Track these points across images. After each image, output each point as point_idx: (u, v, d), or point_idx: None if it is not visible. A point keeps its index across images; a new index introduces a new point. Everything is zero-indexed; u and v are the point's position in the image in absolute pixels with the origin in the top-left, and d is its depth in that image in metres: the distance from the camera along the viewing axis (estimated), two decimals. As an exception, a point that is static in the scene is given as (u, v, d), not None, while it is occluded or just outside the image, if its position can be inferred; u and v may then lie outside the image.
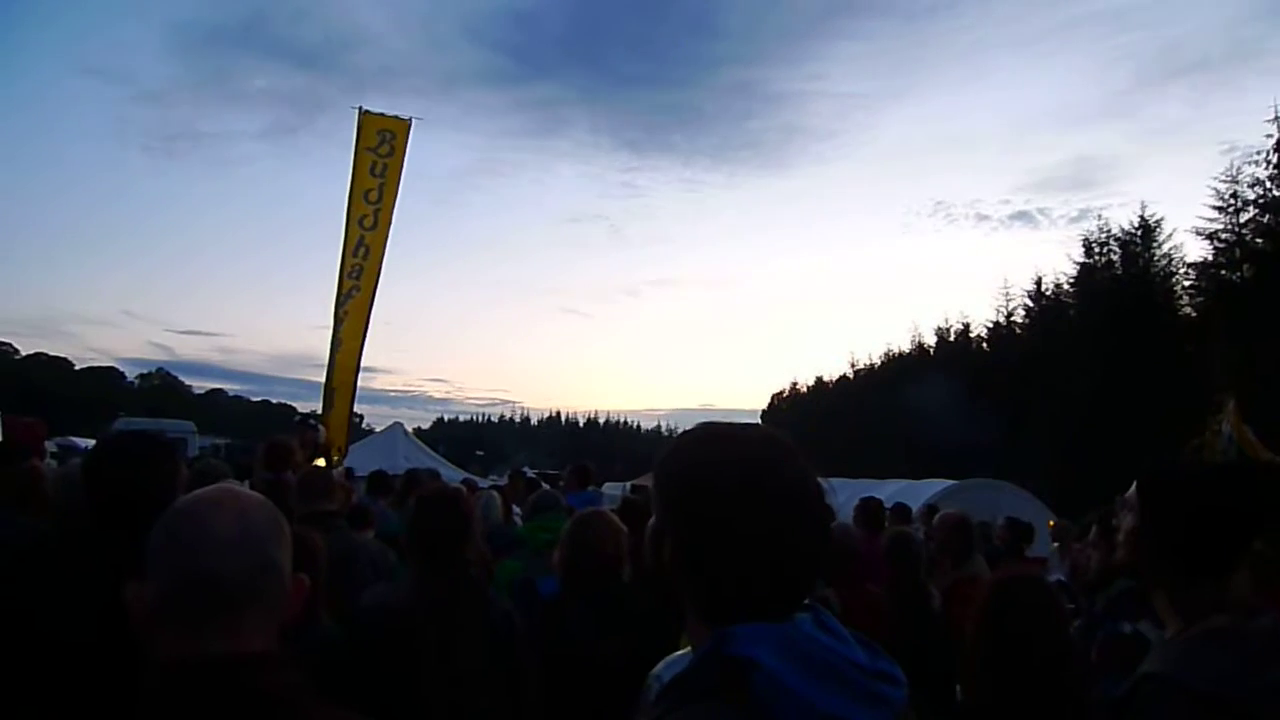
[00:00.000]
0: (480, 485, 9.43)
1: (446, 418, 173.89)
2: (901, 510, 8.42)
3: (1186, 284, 30.48)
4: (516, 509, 7.02)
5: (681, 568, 1.04)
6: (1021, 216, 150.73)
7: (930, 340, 50.59)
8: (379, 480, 7.77)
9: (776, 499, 1.02)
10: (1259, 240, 25.96)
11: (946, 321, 49.57)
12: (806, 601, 1.04)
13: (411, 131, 9.66)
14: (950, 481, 17.08)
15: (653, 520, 1.13)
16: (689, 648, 1.74)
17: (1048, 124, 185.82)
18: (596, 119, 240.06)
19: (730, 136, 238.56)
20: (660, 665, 1.74)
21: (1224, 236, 27.27)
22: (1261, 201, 26.21)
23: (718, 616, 0.99)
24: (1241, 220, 26.84)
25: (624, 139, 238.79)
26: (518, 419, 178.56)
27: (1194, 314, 29.24)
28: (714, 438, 1.11)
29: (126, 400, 74.81)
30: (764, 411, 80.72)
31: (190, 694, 1.12)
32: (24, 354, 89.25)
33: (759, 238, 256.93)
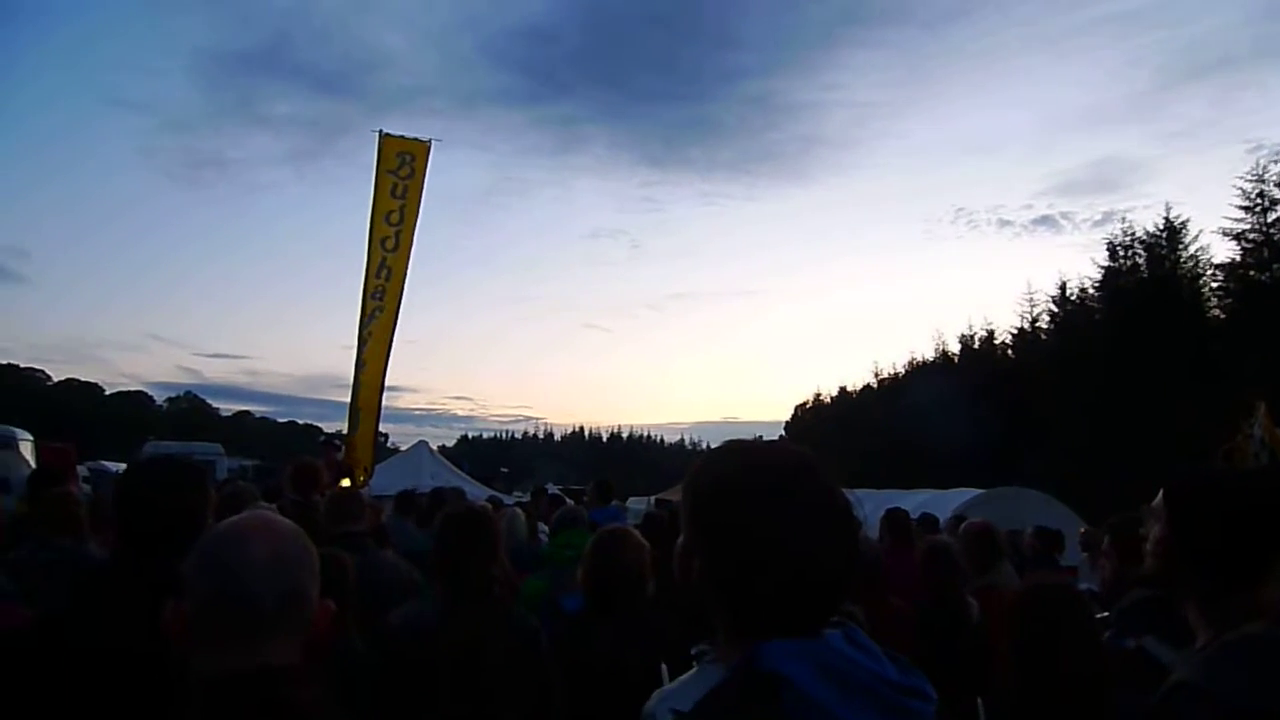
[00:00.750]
0: (505, 503, 9.46)
1: (471, 435, 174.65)
2: (929, 520, 8.33)
3: (1214, 285, 30.10)
4: (543, 526, 7.05)
5: (712, 584, 1.05)
6: (1045, 221, 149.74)
7: (954, 347, 50.23)
8: (406, 499, 7.84)
9: (806, 513, 1.03)
10: (1288, 240, 25.62)
11: (970, 328, 49.20)
12: (835, 618, 1.04)
13: (431, 153, 9.78)
14: (978, 490, 16.87)
15: (681, 538, 1.14)
16: (692, 672, 1.75)
17: (1069, 127, 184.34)
18: (615, 135, 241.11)
19: (749, 149, 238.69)
20: (653, 700, 1.73)
21: (1251, 236, 26.95)
22: (1290, 200, 25.88)
23: (748, 632, 1.00)
24: (1269, 220, 26.52)
25: (643, 154, 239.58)
26: (541, 435, 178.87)
27: (1222, 316, 28.85)
28: (741, 453, 1.12)
29: (156, 423, 75.77)
30: (788, 423, 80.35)
31: (222, 705, 1.21)
32: (55, 380, 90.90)
33: (779, 249, 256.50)
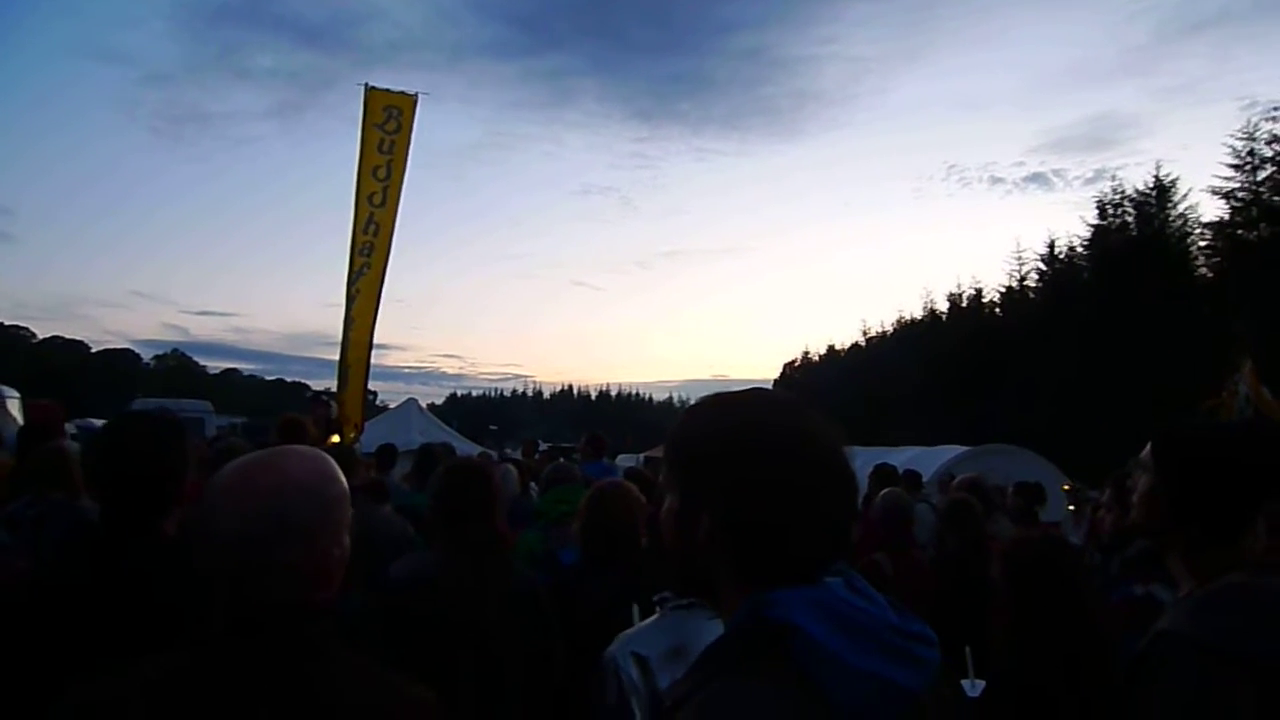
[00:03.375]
0: (495, 459, 9.49)
1: (460, 393, 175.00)
2: (912, 477, 8.44)
3: (1202, 244, 30.16)
4: (532, 484, 7.07)
5: (719, 539, 1.03)
6: (1036, 179, 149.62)
7: (943, 306, 50.36)
8: (386, 454, 7.77)
9: (813, 459, 1.03)
10: (1276, 198, 25.61)
11: (959, 286, 49.32)
12: (839, 566, 1.05)
13: (419, 106, 9.63)
14: (964, 448, 17.05)
15: (672, 500, 1.10)
16: (654, 618, 1.76)
17: (1063, 83, 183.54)
18: (606, 89, 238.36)
19: (741, 104, 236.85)
20: (615, 643, 1.74)
21: (1240, 195, 26.99)
22: (1278, 159, 25.81)
23: (755, 582, 1.00)
24: (1259, 178, 26.50)
25: (634, 108, 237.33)
26: (530, 393, 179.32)
27: (1210, 274, 28.94)
28: (737, 405, 1.11)
29: (142, 381, 75.44)
30: (776, 380, 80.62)
31: (236, 640, 1.24)
32: (40, 338, 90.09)
33: (770, 206, 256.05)
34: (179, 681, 1.22)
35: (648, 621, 1.70)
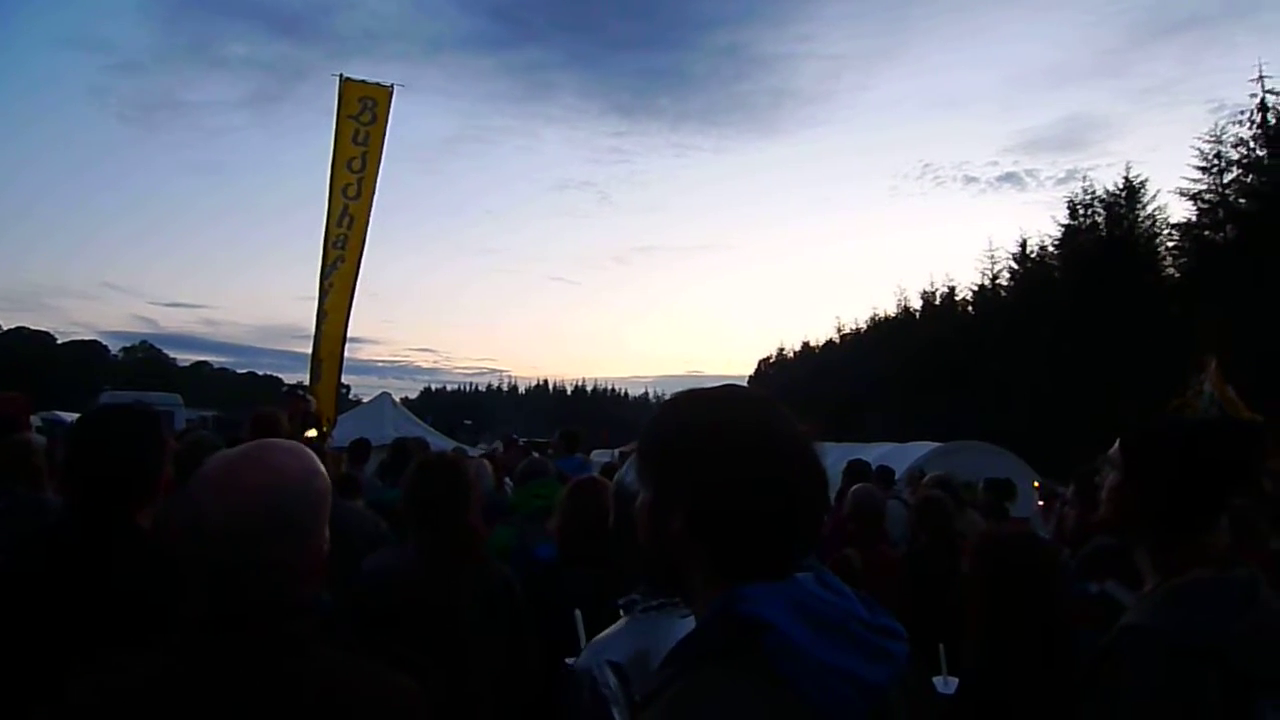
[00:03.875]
0: (470, 454, 9.45)
1: (434, 387, 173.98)
2: (885, 473, 8.51)
3: (1170, 245, 30.62)
4: (507, 479, 7.05)
5: (692, 534, 1.03)
6: (1009, 178, 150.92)
7: (916, 304, 50.77)
8: (359, 449, 7.70)
9: (784, 455, 1.04)
10: (1242, 201, 26.06)
11: (932, 284, 49.74)
12: (809, 561, 1.06)
13: (394, 98, 9.55)
14: (936, 444, 17.18)
15: (646, 495, 1.11)
16: (621, 623, 1.75)
17: (1038, 83, 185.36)
18: (584, 83, 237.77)
19: (719, 100, 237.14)
20: (585, 654, 1.73)
21: (1208, 197, 27.39)
22: (1245, 162, 26.29)
23: (727, 578, 1.00)
24: (1225, 181, 26.93)
25: (612, 103, 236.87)
26: (505, 388, 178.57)
27: (1177, 275, 29.39)
28: (709, 401, 1.11)
29: (110, 374, 74.24)
30: (751, 377, 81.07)
31: (219, 637, 1.22)
32: (5, 329, 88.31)
33: (747, 203, 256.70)
34: (166, 682, 1.20)
35: (617, 626, 1.69)
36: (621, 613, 1.77)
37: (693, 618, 1.09)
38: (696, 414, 1.10)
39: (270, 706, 1.21)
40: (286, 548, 1.26)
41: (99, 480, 2.04)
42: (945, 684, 2.59)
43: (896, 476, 9.29)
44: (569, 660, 1.86)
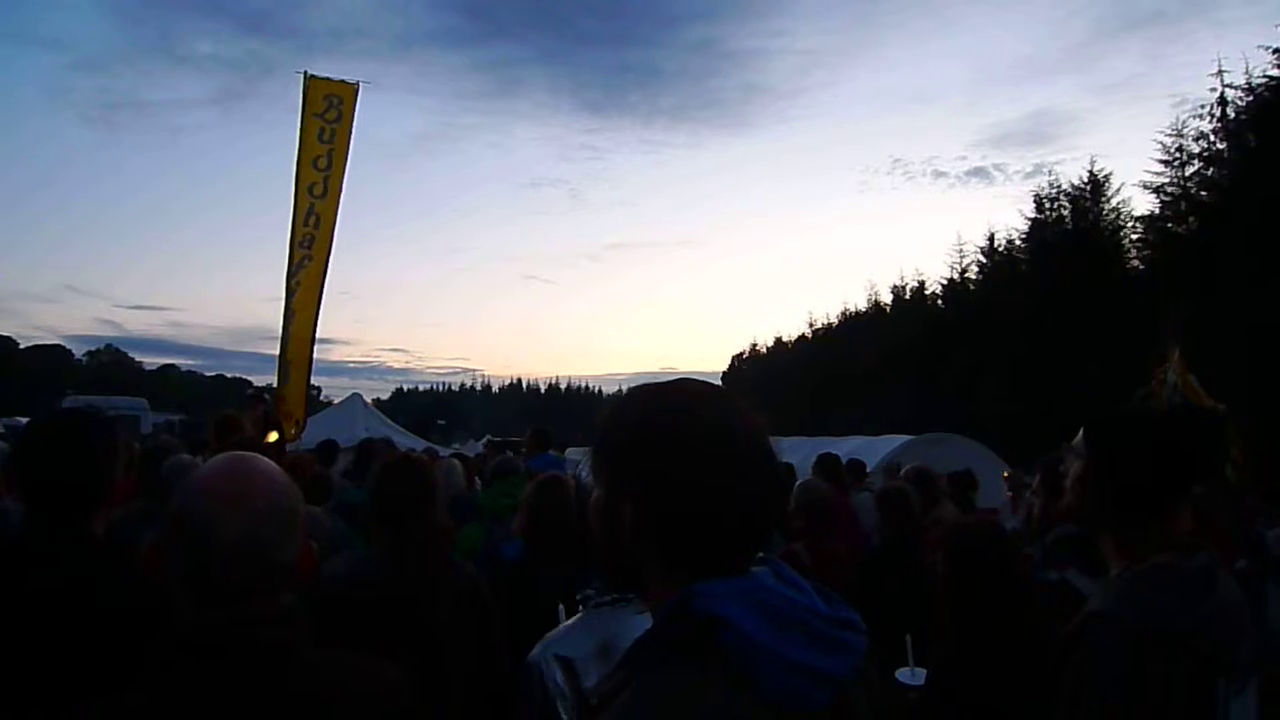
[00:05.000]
0: (442, 454, 9.38)
1: (406, 388, 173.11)
2: (856, 466, 8.55)
3: (1134, 237, 31.10)
4: (478, 479, 7.00)
5: (647, 530, 1.01)
6: (978, 173, 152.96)
7: (887, 298, 51.16)
8: (327, 450, 7.59)
9: (737, 448, 1.02)
10: (1203, 193, 26.47)
11: (902, 279, 50.15)
12: (762, 554, 1.04)
13: (361, 95, 9.47)
14: (907, 437, 17.34)
15: (599, 490, 1.08)
16: (576, 617, 1.74)
17: (1007, 78, 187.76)
18: (555, 79, 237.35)
19: (691, 96, 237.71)
20: (537, 648, 1.73)
21: (1170, 190, 27.78)
22: (1206, 155, 26.70)
23: (682, 573, 0.99)
24: (1186, 174, 27.35)
25: (583, 100, 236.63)
26: (479, 387, 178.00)
27: (1141, 266, 29.84)
28: (661, 395, 1.09)
29: (75, 378, 72.91)
30: (724, 373, 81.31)
31: (210, 648, 1.22)
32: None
33: (719, 199, 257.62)
34: (178, 702, 1.20)
35: (570, 621, 1.68)
36: (579, 608, 1.76)
37: (645, 615, 1.07)
38: (648, 408, 1.08)
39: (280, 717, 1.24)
40: (290, 550, 1.30)
41: (46, 486, 2.00)
42: (912, 675, 2.60)
43: (869, 470, 9.35)
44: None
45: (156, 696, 1.21)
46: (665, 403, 1.07)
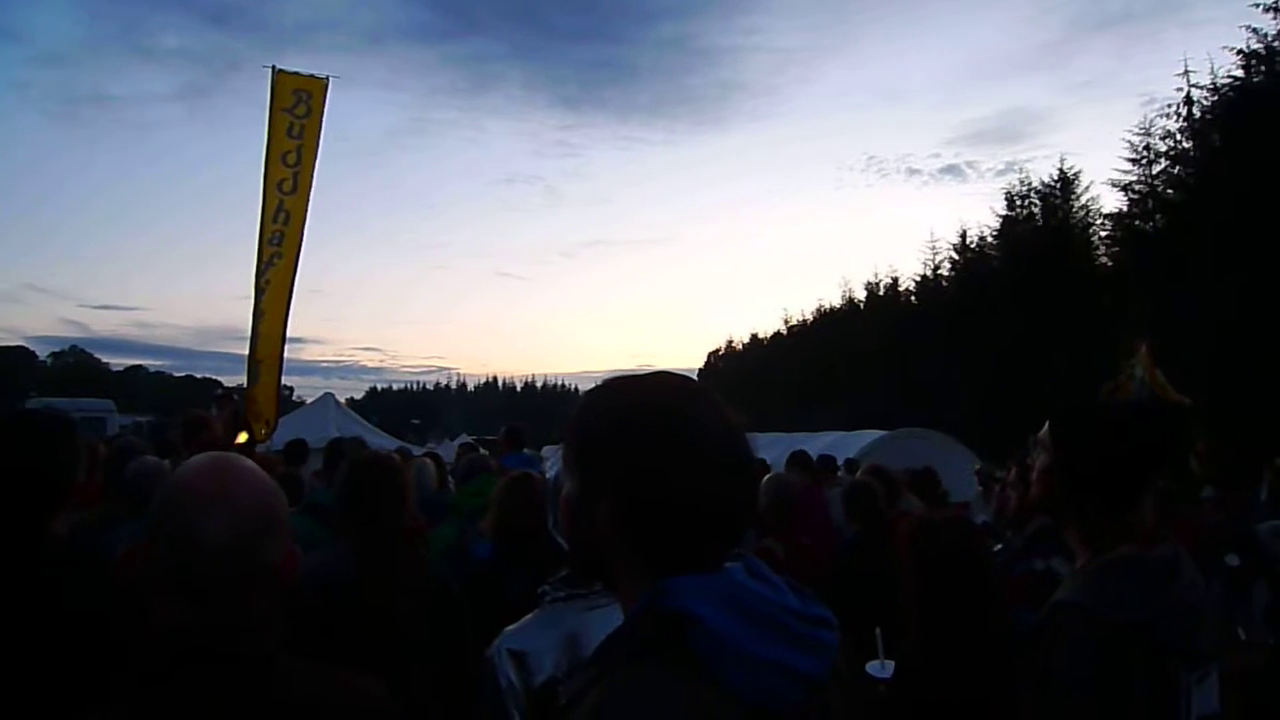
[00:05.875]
0: (415, 454, 9.30)
1: (380, 387, 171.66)
2: (825, 461, 8.61)
3: (1103, 234, 31.51)
4: (451, 480, 6.95)
5: (621, 526, 0.99)
6: (951, 170, 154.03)
7: (860, 295, 51.51)
8: (296, 450, 7.48)
9: (718, 445, 1.00)
10: (1170, 191, 26.84)
11: (876, 276, 50.50)
12: (737, 551, 1.03)
13: (330, 90, 9.37)
14: (881, 432, 17.48)
15: (572, 485, 1.06)
16: (533, 613, 1.74)
17: (980, 76, 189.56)
18: (530, 75, 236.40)
19: (666, 93, 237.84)
20: (498, 640, 1.73)
21: (1138, 188, 28.12)
22: (1172, 154, 27.07)
23: (655, 569, 0.97)
24: (1154, 172, 27.72)
25: (558, 96, 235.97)
26: (454, 386, 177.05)
27: (1110, 264, 30.25)
28: (639, 389, 1.08)
29: (39, 380, 71.72)
30: (700, 370, 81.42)
31: (187, 655, 1.20)
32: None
33: (695, 196, 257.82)
34: (171, 713, 1.18)
35: (527, 617, 1.67)
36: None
37: (602, 610, 1.06)
38: (621, 401, 1.06)
39: None
40: (274, 551, 1.27)
41: (4, 485, 1.97)
42: (882, 668, 2.61)
43: (839, 464, 9.42)
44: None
45: (141, 709, 1.19)
46: (641, 395, 1.06)
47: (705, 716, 0.88)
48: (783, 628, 0.95)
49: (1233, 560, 4.82)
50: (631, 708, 0.89)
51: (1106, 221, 30.91)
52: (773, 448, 10.04)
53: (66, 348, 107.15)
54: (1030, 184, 34.68)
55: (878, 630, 2.68)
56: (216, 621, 1.21)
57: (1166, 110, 26.96)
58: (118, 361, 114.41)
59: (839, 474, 8.37)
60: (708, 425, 1.02)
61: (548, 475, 1.83)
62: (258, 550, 1.24)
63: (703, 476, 0.98)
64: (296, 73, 9.34)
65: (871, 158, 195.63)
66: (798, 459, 6.57)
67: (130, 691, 1.23)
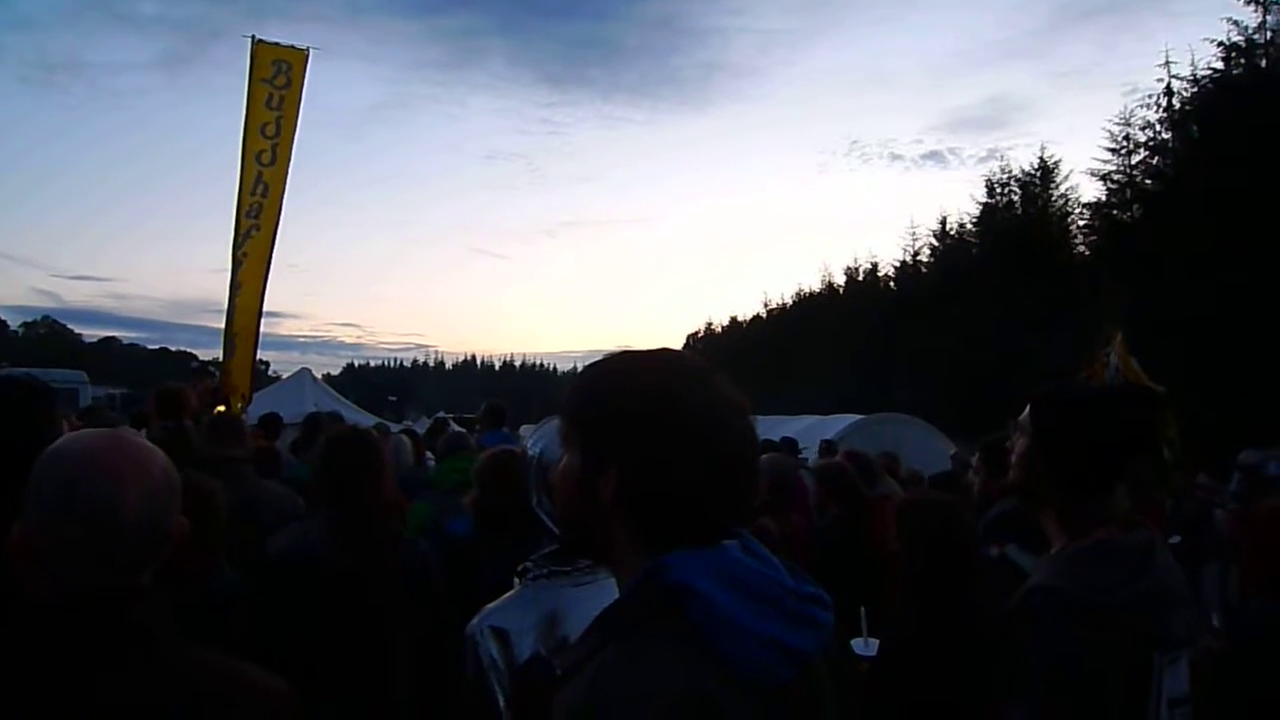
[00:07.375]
0: (393, 430, 9.26)
1: (358, 363, 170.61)
2: (789, 444, 8.74)
3: (1081, 223, 31.79)
4: (430, 455, 6.93)
5: (624, 500, 1.00)
6: (933, 156, 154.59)
7: (840, 280, 51.70)
8: (270, 423, 7.43)
9: (724, 422, 1.01)
10: (1148, 181, 27.07)
11: (856, 261, 50.70)
12: (736, 529, 1.04)
13: (312, 62, 9.22)
14: (857, 416, 17.58)
15: (572, 459, 1.06)
16: (514, 590, 1.74)
17: (964, 63, 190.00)
18: (514, 51, 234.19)
19: (651, 72, 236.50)
20: (477, 618, 1.73)
21: (1116, 178, 28.35)
22: (1151, 145, 27.27)
23: (653, 545, 0.98)
24: (1133, 162, 27.94)
25: (543, 72, 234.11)
26: (432, 363, 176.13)
27: (1087, 252, 30.52)
28: (646, 364, 1.08)
29: (10, 351, 70.59)
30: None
31: (65, 623, 1.15)
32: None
33: (677, 176, 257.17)
34: (28, 670, 1.12)
35: (508, 595, 1.67)
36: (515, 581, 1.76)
37: (585, 587, 1.06)
38: (633, 376, 1.06)
39: (113, 696, 1.13)
40: (171, 519, 1.25)
41: None
42: (865, 646, 2.65)
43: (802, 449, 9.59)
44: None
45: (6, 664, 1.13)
46: (653, 372, 1.05)
47: (700, 688, 0.89)
48: (777, 604, 0.96)
49: (1174, 539, 4.92)
50: (628, 678, 0.90)
51: (1085, 210, 31.19)
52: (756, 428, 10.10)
53: (39, 318, 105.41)
54: (1011, 172, 34.93)
55: (862, 609, 2.71)
56: (101, 586, 1.16)
57: (1147, 101, 27.16)
58: (91, 333, 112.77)
59: (803, 457, 8.53)
60: (720, 405, 1.03)
61: (529, 454, 1.82)
62: (165, 521, 1.22)
63: (714, 457, 0.99)
64: (276, 43, 9.17)
65: (854, 142, 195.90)
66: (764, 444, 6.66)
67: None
